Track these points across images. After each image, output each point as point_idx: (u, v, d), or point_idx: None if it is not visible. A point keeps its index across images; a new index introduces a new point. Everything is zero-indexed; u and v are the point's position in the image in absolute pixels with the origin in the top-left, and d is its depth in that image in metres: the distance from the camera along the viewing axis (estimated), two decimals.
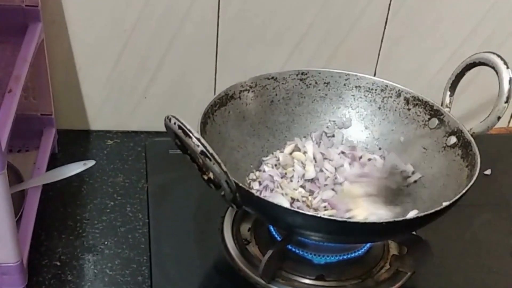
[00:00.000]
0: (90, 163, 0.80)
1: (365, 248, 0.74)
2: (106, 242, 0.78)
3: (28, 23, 0.81)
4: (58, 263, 0.75)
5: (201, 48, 0.91)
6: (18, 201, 0.76)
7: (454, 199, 0.64)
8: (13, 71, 0.73)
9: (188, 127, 0.57)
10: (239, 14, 0.89)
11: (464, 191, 0.65)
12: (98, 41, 0.89)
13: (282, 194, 0.73)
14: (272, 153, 0.79)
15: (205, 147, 0.56)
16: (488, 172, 0.89)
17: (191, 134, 0.57)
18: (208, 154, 0.56)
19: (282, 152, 0.79)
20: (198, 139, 0.56)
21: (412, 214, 0.71)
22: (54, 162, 0.87)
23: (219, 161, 0.57)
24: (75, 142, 0.94)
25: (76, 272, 0.74)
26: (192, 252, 0.76)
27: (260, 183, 0.75)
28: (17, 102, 0.70)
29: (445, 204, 0.64)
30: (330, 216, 0.68)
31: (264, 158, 0.78)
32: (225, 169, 0.58)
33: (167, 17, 0.88)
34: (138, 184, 0.88)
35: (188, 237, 0.78)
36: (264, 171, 0.76)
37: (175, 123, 0.58)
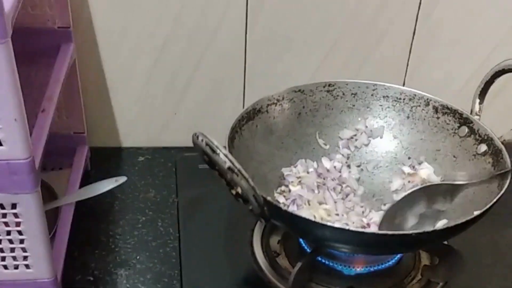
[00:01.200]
0: (122, 179, 0.81)
1: (396, 258, 0.73)
2: (138, 257, 0.79)
3: (61, 44, 0.83)
4: (92, 278, 0.76)
5: (230, 64, 0.92)
6: (52, 218, 0.77)
7: (485, 208, 0.63)
8: (46, 91, 0.75)
9: (215, 143, 0.58)
10: (267, 28, 0.90)
11: (495, 200, 0.64)
12: (129, 60, 0.91)
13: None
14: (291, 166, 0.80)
15: (232, 162, 0.57)
16: None
17: (218, 151, 0.57)
18: (236, 170, 0.57)
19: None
20: (225, 155, 0.57)
21: (441, 223, 0.70)
22: (87, 179, 0.88)
23: (247, 176, 0.58)
24: (107, 159, 0.96)
25: (109, 286, 0.75)
26: (222, 265, 0.77)
27: (285, 198, 0.75)
28: (50, 122, 0.72)
29: (476, 213, 0.63)
30: (357, 228, 0.68)
31: (284, 169, 0.79)
32: (252, 184, 0.58)
33: (196, 34, 0.89)
34: (169, 199, 0.89)
35: (218, 250, 0.78)
36: (290, 191, 0.76)
37: (202, 140, 0.58)
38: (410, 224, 0.70)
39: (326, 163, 0.79)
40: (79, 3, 0.85)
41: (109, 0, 0.86)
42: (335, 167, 0.78)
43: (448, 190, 0.73)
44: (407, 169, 0.79)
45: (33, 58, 0.81)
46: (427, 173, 0.77)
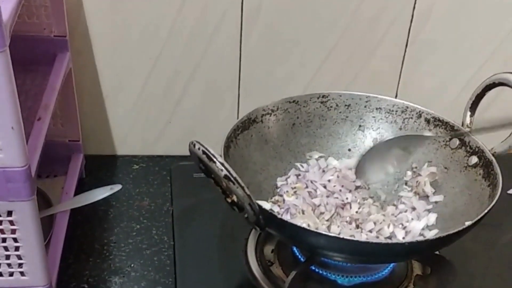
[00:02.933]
0: (117, 187, 0.81)
1: (389, 268, 0.74)
2: (132, 265, 0.80)
3: (57, 52, 0.83)
4: (86, 286, 0.76)
5: (225, 73, 0.93)
6: (47, 226, 0.78)
7: (476, 218, 0.64)
8: (42, 100, 0.75)
9: (212, 152, 0.58)
10: (261, 39, 0.91)
11: (486, 211, 0.65)
12: (124, 69, 0.92)
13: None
14: (285, 175, 0.80)
15: (228, 171, 0.58)
16: (511, 191, 0.89)
17: (214, 159, 0.58)
18: (232, 178, 0.58)
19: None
20: (222, 164, 0.58)
21: (433, 233, 0.71)
22: (81, 187, 0.89)
23: (242, 184, 0.58)
24: (102, 167, 0.96)
25: None
26: (216, 274, 0.77)
27: (279, 207, 0.76)
28: (46, 130, 0.72)
29: (467, 223, 0.64)
30: (351, 236, 0.69)
31: (278, 179, 0.79)
32: (248, 192, 0.59)
33: (191, 45, 0.90)
34: (163, 207, 0.89)
35: (213, 258, 0.79)
36: (284, 201, 0.76)
37: (199, 148, 0.59)
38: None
39: (319, 173, 0.80)
40: (75, 12, 0.86)
41: (105, 9, 0.86)
42: (329, 180, 0.79)
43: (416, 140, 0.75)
44: (409, 175, 0.80)
45: (29, 66, 0.82)
46: (430, 171, 0.78)
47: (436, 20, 0.91)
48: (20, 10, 0.64)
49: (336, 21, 0.90)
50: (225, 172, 0.58)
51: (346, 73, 0.95)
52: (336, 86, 0.94)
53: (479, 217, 0.64)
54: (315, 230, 0.65)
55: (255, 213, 0.61)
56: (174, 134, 0.97)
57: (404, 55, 0.94)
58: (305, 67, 0.94)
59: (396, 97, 0.95)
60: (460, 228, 0.63)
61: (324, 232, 0.63)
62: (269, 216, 0.63)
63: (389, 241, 0.69)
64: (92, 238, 0.83)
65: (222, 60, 0.92)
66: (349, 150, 0.83)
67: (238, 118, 0.94)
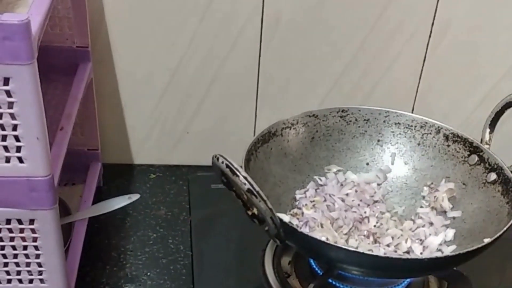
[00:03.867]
0: (135, 196, 0.82)
1: (405, 283, 0.74)
2: (148, 273, 0.80)
3: (79, 62, 0.84)
4: None
5: (242, 86, 0.94)
6: (65, 233, 0.78)
7: (495, 236, 0.64)
8: (65, 110, 0.76)
9: (236, 165, 0.59)
10: (279, 51, 0.91)
11: (505, 229, 0.65)
12: (143, 79, 0.92)
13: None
14: (303, 188, 0.81)
15: (251, 185, 0.58)
16: None
17: (238, 173, 0.59)
18: (255, 192, 0.58)
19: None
20: (245, 178, 0.58)
21: (451, 249, 0.71)
22: (99, 195, 0.89)
23: (265, 198, 0.59)
24: (119, 175, 0.97)
25: None
26: (233, 284, 0.78)
27: (298, 219, 0.76)
28: (68, 139, 0.73)
29: (486, 241, 0.64)
30: (370, 251, 0.69)
31: (297, 192, 0.80)
32: (270, 206, 0.60)
33: (210, 56, 0.91)
34: (180, 216, 0.90)
35: (230, 269, 0.79)
36: (302, 214, 0.77)
37: (222, 162, 0.60)
38: None
39: (337, 187, 0.80)
40: (97, 23, 0.87)
41: (126, 21, 0.87)
42: (347, 194, 0.79)
43: None
44: (426, 190, 0.81)
45: (51, 76, 0.83)
46: (448, 188, 0.78)
47: (454, 35, 0.91)
48: None
49: (354, 35, 0.91)
50: (248, 186, 0.58)
51: (363, 87, 0.95)
52: (352, 100, 0.94)
53: (498, 234, 0.64)
54: (335, 244, 0.65)
55: (276, 226, 0.61)
56: (191, 144, 0.98)
57: (422, 69, 0.94)
58: (322, 80, 0.94)
59: (412, 111, 0.96)
60: (479, 246, 0.64)
61: (343, 246, 0.64)
62: (290, 230, 0.63)
63: (408, 256, 0.70)
64: (109, 246, 0.84)
65: (240, 72, 0.93)
66: (367, 164, 0.83)
67: (255, 129, 0.95)
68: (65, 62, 0.84)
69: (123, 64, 0.91)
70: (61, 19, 0.83)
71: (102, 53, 0.89)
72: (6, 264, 0.69)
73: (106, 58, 0.90)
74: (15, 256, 0.68)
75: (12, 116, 0.60)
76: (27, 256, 0.68)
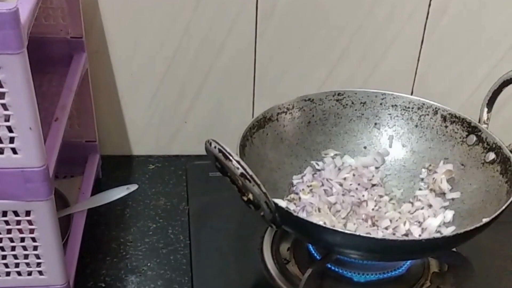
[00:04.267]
0: (133, 187, 0.82)
1: (405, 266, 0.74)
2: (149, 264, 0.80)
3: (73, 53, 0.84)
4: (103, 285, 0.77)
5: (239, 73, 0.94)
6: (64, 225, 0.78)
7: (494, 215, 0.64)
8: (59, 101, 0.76)
9: (228, 150, 0.59)
10: (275, 38, 0.91)
11: (503, 207, 0.64)
12: (140, 69, 0.92)
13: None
14: (300, 173, 0.80)
15: (244, 169, 0.58)
16: None
17: (231, 157, 0.58)
18: (248, 176, 0.58)
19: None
20: (238, 162, 0.58)
21: (450, 230, 0.71)
22: (98, 187, 0.89)
23: (259, 182, 0.59)
24: (118, 167, 0.97)
25: None
26: (232, 272, 0.77)
27: (295, 205, 0.76)
28: (63, 130, 0.73)
29: (485, 220, 0.64)
30: (368, 234, 0.69)
31: (294, 177, 0.80)
32: (264, 190, 0.59)
33: (206, 43, 0.90)
34: (179, 206, 0.90)
35: (229, 257, 0.79)
36: (300, 199, 0.76)
37: (215, 147, 0.59)
38: None
39: (334, 171, 0.80)
40: (91, 13, 0.87)
41: (120, 10, 0.87)
42: (345, 178, 0.79)
43: None
44: (424, 173, 0.80)
45: (45, 67, 0.83)
46: (446, 169, 0.77)
47: (451, 16, 0.91)
48: (37, 12, 0.64)
49: (351, 19, 0.90)
50: (241, 170, 0.58)
51: (361, 71, 0.94)
52: (351, 84, 0.94)
53: (496, 213, 0.64)
54: (332, 228, 0.65)
55: (271, 211, 0.61)
56: (190, 133, 0.98)
57: (420, 52, 0.93)
58: (319, 66, 0.94)
59: (411, 94, 0.95)
60: (477, 225, 0.63)
61: (340, 230, 0.63)
62: (285, 214, 0.63)
63: (405, 238, 0.69)
64: (109, 238, 0.84)
65: (237, 59, 0.92)
66: (365, 148, 0.83)
67: (253, 117, 0.95)
68: (60, 53, 0.84)
69: (119, 54, 0.91)
70: (54, 10, 0.82)
71: (97, 43, 0.89)
72: (4, 257, 0.69)
73: (102, 49, 0.90)
74: (13, 248, 0.68)
75: (4, 107, 0.60)
76: (24, 248, 0.68)
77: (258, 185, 0.59)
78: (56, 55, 0.84)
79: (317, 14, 0.90)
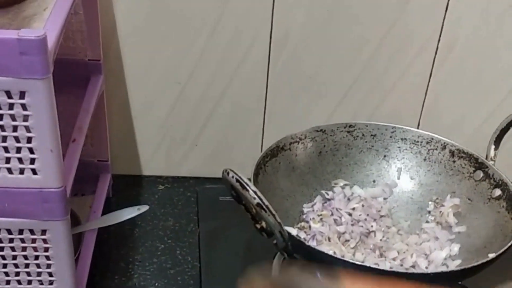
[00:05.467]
0: (144, 208, 0.83)
1: None
2: (156, 284, 0.81)
3: (90, 75, 0.85)
4: None
5: (250, 100, 0.95)
6: (75, 243, 0.78)
7: (500, 251, 0.65)
8: (76, 122, 0.78)
9: (245, 180, 0.60)
10: (288, 67, 0.92)
11: (510, 244, 0.66)
12: (153, 92, 0.94)
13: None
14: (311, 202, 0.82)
15: (261, 199, 0.59)
16: None
17: (248, 187, 0.60)
18: (264, 206, 0.60)
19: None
20: (255, 192, 0.60)
21: (456, 263, 0.72)
22: (108, 206, 0.90)
23: (274, 212, 0.60)
24: (128, 186, 0.98)
25: None
26: None
27: (306, 233, 0.77)
28: (80, 152, 0.74)
29: (491, 256, 0.65)
30: (376, 265, 0.70)
31: (305, 206, 0.81)
32: (279, 220, 0.61)
33: (219, 70, 0.92)
34: (188, 228, 0.91)
35: (238, 280, 0.80)
36: (310, 227, 0.78)
37: (232, 177, 0.61)
38: None
39: (344, 201, 0.81)
40: (109, 36, 0.88)
41: (137, 33, 0.89)
42: (354, 208, 0.80)
43: None
44: (431, 206, 0.81)
45: (62, 88, 0.83)
46: (453, 203, 0.79)
47: (460, 52, 0.93)
48: None
49: (362, 51, 0.92)
50: (257, 200, 0.60)
51: (369, 102, 0.96)
52: (359, 115, 0.95)
53: (502, 250, 0.65)
54: (342, 258, 0.66)
55: (284, 240, 0.62)
56: (199, 156, 0.99)
57: (428, 85, 0.95)
58: (329, 95, 0.95)
59: (418, 126, 0.97)
60: (484, 261, 0.65)
61: (350, 260, 0.65)
62: (298, 243, 0.65)
63: (413, 270, 0.71)
64: (117, 256, 0.85)
65: (249, 86, 0.94)
66: (374, 181, 0.84)
67: (262, 142, 0.96)
68: (77, 74, 0.85)
69: (133, 77, 0.92)
70: (74, 33, 0.84)
71: (113, 66, 0.91)
72: (17, 274, 0.70)
73: (117, 71, 0.91)
74: (27, 265, 0.69)
75: (27, 129, 0.61)
76: (38, 265, 0.69)
77: (273, 215, 0.60)
78: (74, 77, 0.85)
79: (328, 46, 0.91)
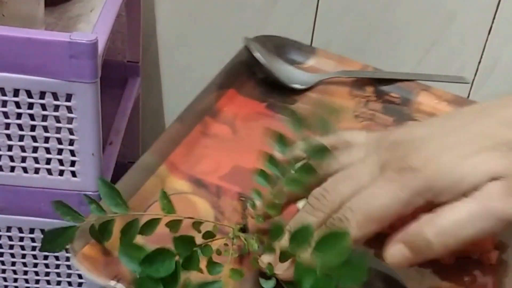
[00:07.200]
0: None
1: None
2: None
3: (128, 77, 0.86)
4: None
5: None
6: None
7: None
8: (113, 124, 0.78)
9: None
10: None
11: None
12: (188, 97, 0.93)
13: None
14: None
15: None
16: None
17: None
18: None
19: None
20: None
21: None
22: None
23: None
24: None
25: None
26: None
27: None
28: (117, 154, 0.74)
29: None
30: None
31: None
32: None
33: None
34: None
35: None
36: None
37: None
38: None
39: None
40: (148, 39, 0.88)
41: (176, 36, 0.89)
42: None
43: None
44: None
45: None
46: None
47: (499, 74, 0.92)
48: None
49: (401, 66, 0.91)
50: None
51: None
52: None
53: None
54: None
55: None
56: None
57: None
58: None
59: None
60: None
61: None
62: None
63: None
64: None
65: None
66: None
67: None
68: (115, 76, 0.85)
69: (169, 79, 0.92)
70: (114, 34, 0.84)
71: (150, 68, 0.91)
72: (48, 274, 0.70)
73: (153, 74, 0.91)
74: (57, 266, 0.69)
75: (71, 131, 0.61)
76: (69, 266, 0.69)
77: None
78: (111, 78, 0.85)
79: (367, 60, 0.90)
